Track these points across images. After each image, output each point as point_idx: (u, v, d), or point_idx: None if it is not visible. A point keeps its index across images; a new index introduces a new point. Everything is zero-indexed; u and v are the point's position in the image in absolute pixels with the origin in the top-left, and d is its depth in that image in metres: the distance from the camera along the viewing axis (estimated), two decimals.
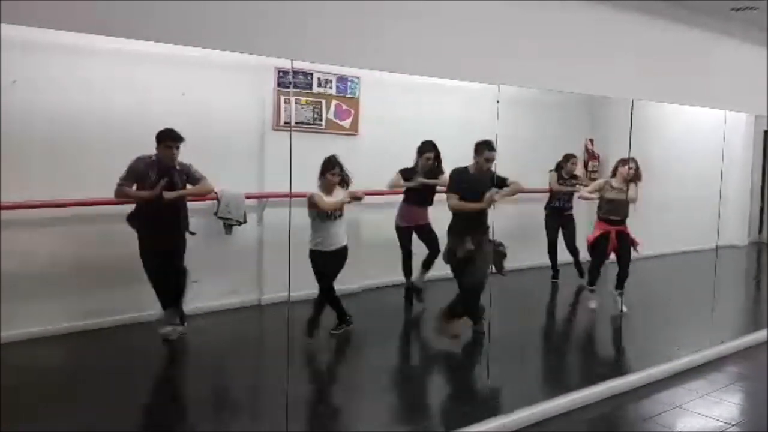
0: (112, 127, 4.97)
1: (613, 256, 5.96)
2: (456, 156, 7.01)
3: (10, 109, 4.49)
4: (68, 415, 3.61)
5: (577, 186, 6.84)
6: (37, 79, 4.70)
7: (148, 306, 4.95)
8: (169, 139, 4.66)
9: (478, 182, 4.91)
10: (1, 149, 4.24)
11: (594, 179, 8.50)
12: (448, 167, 6.98)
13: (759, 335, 5.54)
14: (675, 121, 8.68)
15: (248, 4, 2.74)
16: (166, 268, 4.82)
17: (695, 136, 8.37)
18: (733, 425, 3.87)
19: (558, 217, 7.04)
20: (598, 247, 5.92)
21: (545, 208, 7.14)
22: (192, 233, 4.94)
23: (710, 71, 4.90)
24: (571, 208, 7.06)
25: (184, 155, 5.25)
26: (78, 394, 3.92)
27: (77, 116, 4.81)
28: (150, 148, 5.15)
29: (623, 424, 3.99)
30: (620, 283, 5.86)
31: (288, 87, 5.93)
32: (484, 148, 4.89)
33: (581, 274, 6.98)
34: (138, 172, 4.65)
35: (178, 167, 4.78)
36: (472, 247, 4.83)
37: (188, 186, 4.85)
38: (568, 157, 7.00)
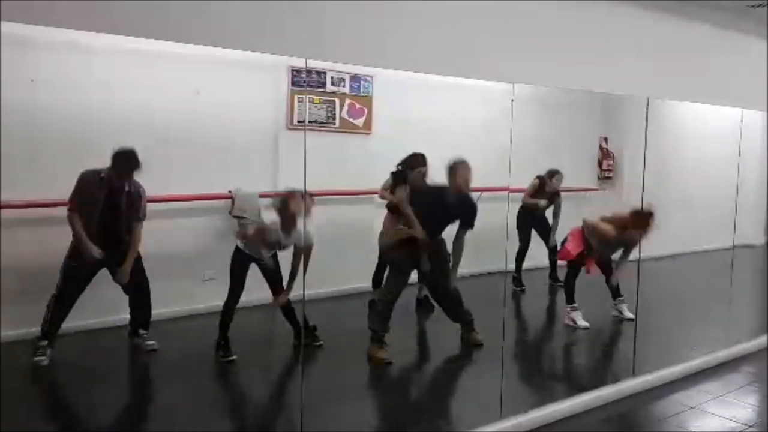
0: (125, 127, 4.99)
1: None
2: (469, 155, 7.04)
3: (28, 108, 4.54)
4: None
5: None
6: (54, 79, 4.74)
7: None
8: (126, 166, 4.33)
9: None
10: (0, 148, 4.28)
11: (607, 178, 8.47)
12: None
13: None
14: (690, 120, 8.62)
15: (262, 4, 2.75)
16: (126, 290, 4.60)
17: (711, 134, 8.32)
18: (750, 426, 3.84)
19: (532, 218, 6.71)
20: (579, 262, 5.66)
21: (522, 212, 6.64)
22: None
23: (726, 69, 4.86)
24: None
25: (200, 154, 5.30)
26: None
27: (92, 115, 4.84)
28: (163, 147, 5.20)
29: (638, 425, 3.97)
30: (618, 292, 5.79)
31: (302, 86, 5.95)
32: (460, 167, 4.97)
33: (556, 278, 6.88)
34: (85, 189, 4.33)
35: (127, 189, 4.45)
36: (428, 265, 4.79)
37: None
38: (553, 174, 6.65)
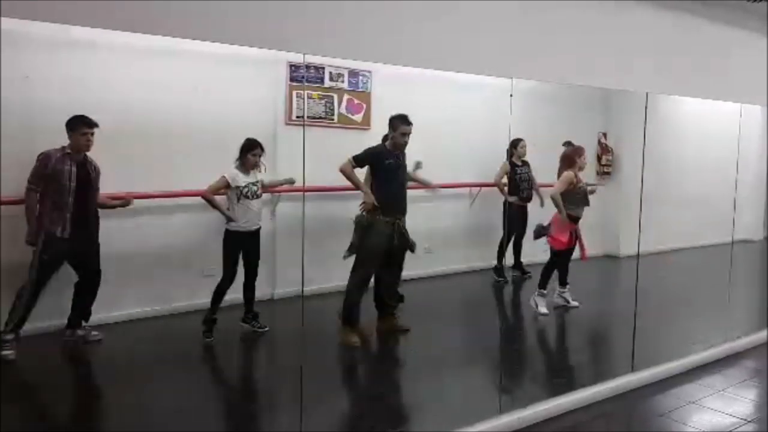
0: (125, 122, 4.98)
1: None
2: (468, 150, 7.05)
3: (24, 104, 4.52)
4: None
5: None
6: (51, 76, 4.72)
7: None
8: (84, 125, 4.37)
9: (399, 163, 4.88)
10: (0, 146, 4.26)
11: (606, 173, 8.47)
12: (462, 161, 7.02)
13: None
14: (689, 115, 8.62)
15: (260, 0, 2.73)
16: (84, 273, 4.61)
17: (710, 130, 8.32)
18: (749, 421, 3.84)
19: (519, 209, 6.65)
20: (569, 248, 5.74)
21: (508, 202, 6.59)
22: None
23: (725, 64, 4.84)
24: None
25: (199, 150, 5.29)
26: None
27: (91, 112, 4.79)
28: (162, 143, 5.19)
29: (637, 420, 3.96)
30: (565, 280, 5.92)
31: (300, 81, 5.93)
32: (400, 122, 4.78)
33: (524, 272, 6.93)
34: (53, 169, 4.31)
35: (88, 159, 4.52)
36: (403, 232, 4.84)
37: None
38: (516, 142, 6.60)
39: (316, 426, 3.43)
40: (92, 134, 4.43)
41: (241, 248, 4.85)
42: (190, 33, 2.63)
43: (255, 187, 4.86)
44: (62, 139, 4.48)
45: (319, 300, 5.26)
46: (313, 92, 6.08)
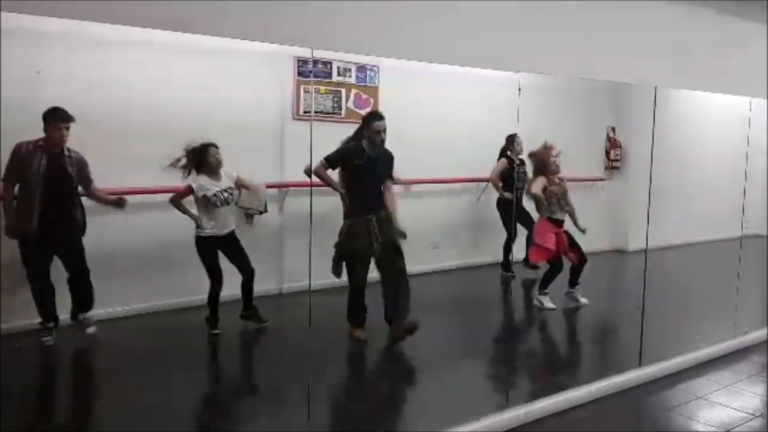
0: (132, 119, 4.99)
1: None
2: (475, 145, 7.03)
3: (34, 101, 4.53)
4: None
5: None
6: (58, 72, 4.73)
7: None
8: (58, 119, 4.24)
9: (378, 161, 4.70)
10: (1, 145, 4.27)
11: (615, 167, 8.43)
12: (469, 156, 7.00)
13: None
14: (699, 109, 8.56)
15: None
16: (68, 267, 4.54)
17: (719, 123, 8.26)
18: (757, 416, 3.83)
19: (515, 204, 6.57)
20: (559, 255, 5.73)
21: (502, 200, 6.68)
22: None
23: (733, 57, 4.81)
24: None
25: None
26: None
27: (96, 110, 4.81)
28: (169, 139, 5.18)
29: (645, 414, 3.96)
30: (576, 281, 5.87)
31: (308, 76, 5.94)
32: (373, 119, 4.63)
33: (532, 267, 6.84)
34: (22, 161, 4.23)
35: (68, 153, 4.39)
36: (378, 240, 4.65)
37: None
38: (512, 138, 6.49)
39: (323, 419, 3.45)
40: (67, 128, 4.30)
41: (216, 252, 4.83)
42: (195, 28, 2.64)
43: (226, 194, 4.80)
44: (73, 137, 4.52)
45: (326, 295, 5.26)
46: (321, 87, 6.09)
